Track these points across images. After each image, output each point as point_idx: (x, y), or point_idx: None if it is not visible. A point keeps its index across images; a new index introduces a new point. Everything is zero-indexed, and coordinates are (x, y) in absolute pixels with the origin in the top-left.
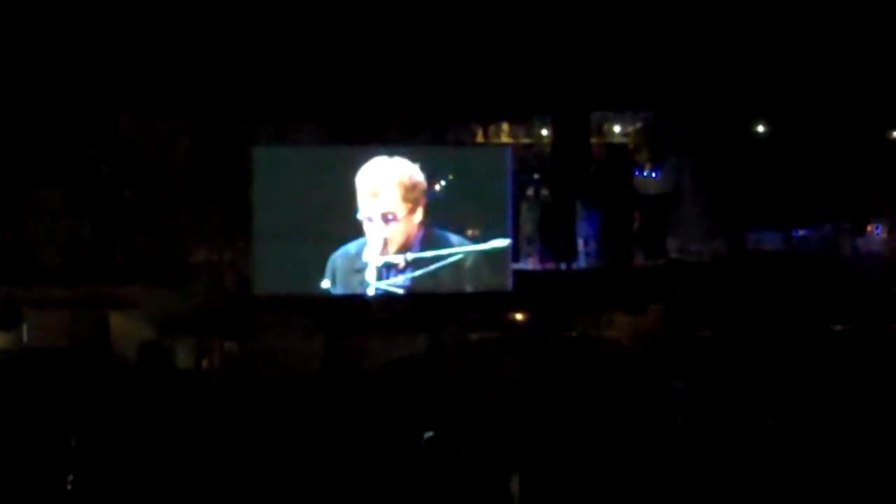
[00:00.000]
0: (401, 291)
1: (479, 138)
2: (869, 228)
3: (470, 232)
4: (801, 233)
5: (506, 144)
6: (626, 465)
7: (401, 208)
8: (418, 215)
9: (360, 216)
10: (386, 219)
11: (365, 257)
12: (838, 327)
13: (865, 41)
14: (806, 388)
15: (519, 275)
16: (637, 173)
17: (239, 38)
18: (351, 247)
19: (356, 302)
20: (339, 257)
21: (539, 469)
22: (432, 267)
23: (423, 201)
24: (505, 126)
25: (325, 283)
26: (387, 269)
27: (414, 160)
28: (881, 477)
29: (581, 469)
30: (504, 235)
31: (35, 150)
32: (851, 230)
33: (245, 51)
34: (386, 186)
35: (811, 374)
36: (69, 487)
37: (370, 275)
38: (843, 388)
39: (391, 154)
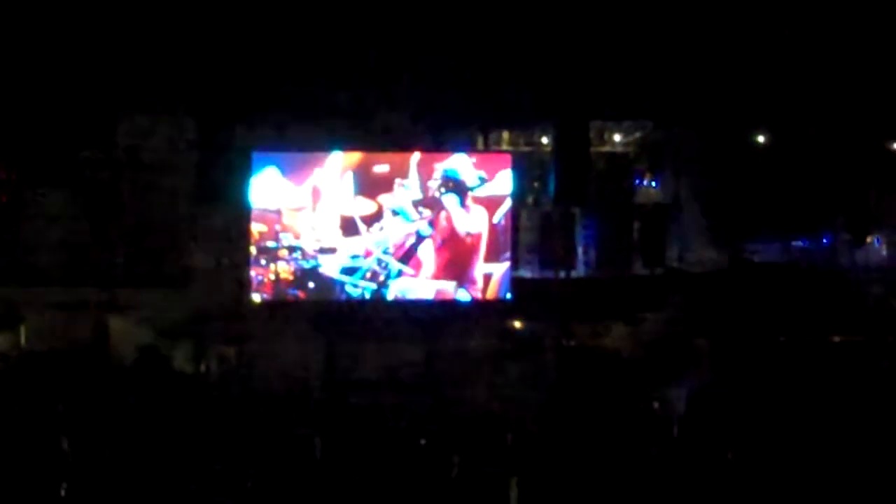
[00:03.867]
0: (397, 298)
1: (480, 145)
2: (869, 240)
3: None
4: (800, 243)
5: (506, 152)
6: (623, 472)
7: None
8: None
9: (360, 219)
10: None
11: (366, 250)
12: (837, 338)
13: (866, 52)
14: (804, 398)
15: (517, 282)
16: (637, 182)
17: (240, 42)
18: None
19: (354, 308)
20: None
21: (537, 476)
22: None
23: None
24: (505, 133)
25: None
26: (385, 275)
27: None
28: (879, 485)
29: (578, 476)
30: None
31: (35, 153)
32: (851, 241)
33: (245, 55)
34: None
35: (809, 385)
36: (63, 492)
37: (367, 280)
38: (842, 399)
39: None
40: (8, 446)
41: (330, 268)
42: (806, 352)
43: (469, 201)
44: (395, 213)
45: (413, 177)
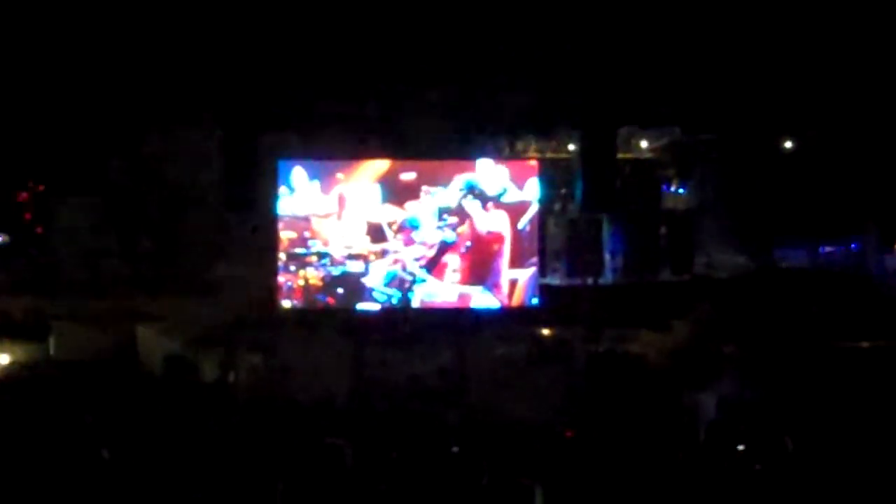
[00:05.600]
0: (426, 305)
1: (507, 153)
2: None
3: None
4: (827, 249)
5: (533, 159)
6: (650, 479)
7: (431, 221)
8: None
9: (388, 226)
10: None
11: (394, 257)
12: (866, 344)
13: (893, 58)
14: (833, 404)
15: (545, 289)
16: (664, 188)
17: (266, 52)
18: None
19: (382, 316)
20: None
21: (563, 483)
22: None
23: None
24: (532, 141)
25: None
26: (413, 282)
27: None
28: None
29: (604, 483)
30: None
31: (64, 165)
32: (879, 247)
33: (272, 65)
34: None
35: (838, 391)
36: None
37: (396, 287)
38: (871, 405)
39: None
40: (36, 456)
41: (373, 279)
42: (834, 358)
43: (492, 208)
44: (411, 223)
45: (438, 184)
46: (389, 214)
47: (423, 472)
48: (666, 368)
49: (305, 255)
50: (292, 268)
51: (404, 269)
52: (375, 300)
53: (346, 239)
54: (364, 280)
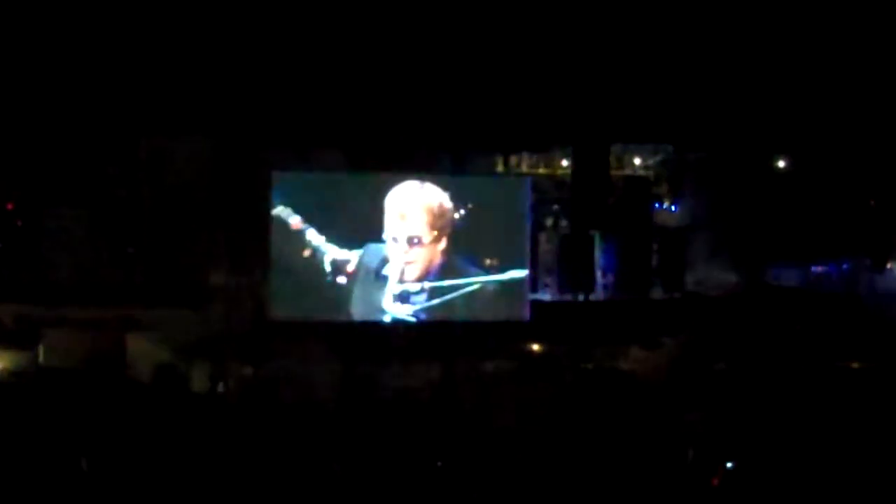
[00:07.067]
0: (416, 319)
1: (500, 168)
2: (889, 265)
3: (488, 261)
4: (819, 269)
5: (525, 174)
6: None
7: (427, 234)
8: (442, 243)
9: (385, 236)
10: (411, 242)
11: (386, 271)
12: (855, 364)
13: (888, 79)
14: (822, 422)
15: (536, 305)
16: (656, 206)
17: (261, 64)
18: (381, 248)
19: (372, 329)
20: (368, 253)
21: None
22: (450, 296)
23: (448, 230)
24: (525, 157)
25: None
26: (404, 297)
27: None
28: None
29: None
30: (522, 266)
31: (55, 172)
32: (870, 267)
33: (267, 77)
34: (415, 210)
35: (827, 411)
36: None
37: (387, 301)
38: (859, 426)
39: (422, 180)
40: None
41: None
42: (824, 377)
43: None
44: (420, 234)
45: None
46: (392, 224)
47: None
48: (656, 385)
49: (295, 267)
50: (281, 280)
51: (401, 282)
52: (366, 313)
53: (335, 251)
54: (355, 292)
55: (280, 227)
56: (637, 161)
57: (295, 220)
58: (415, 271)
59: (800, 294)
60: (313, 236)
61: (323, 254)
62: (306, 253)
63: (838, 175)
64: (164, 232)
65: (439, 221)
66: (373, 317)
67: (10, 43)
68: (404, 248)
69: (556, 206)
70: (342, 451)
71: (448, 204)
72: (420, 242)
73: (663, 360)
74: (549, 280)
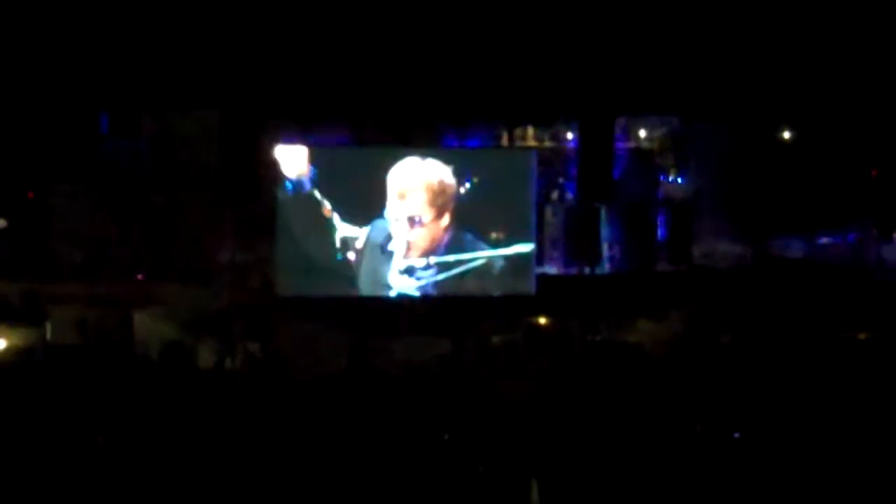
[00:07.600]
0: (423, 294)
1: (504, 141)
2: (895, 236)
3: (494, 235)
4: (825, 240)
5: (531, 148)
6: (646, 471)
7: (427, 212)
8: (445, 219)
9: (386, 215)
10: (412, 221)
11: (392, 247)
12: (862, 335)
13: (894, 50)
14: (829, 394)
15: (542, 279)
16: (662, 178)
17: (266, 39)
18: (387, 224)
19: (379, 304)
20: (375, 228)
21: (559, 476)
22: (456, 271)
23: (451, 206)
24: (530, 129)
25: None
26: (410, 272)
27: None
28: None
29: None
30: (528, 239)
31: (61, 149)
32: (877, 237)
33: (272, 51)
34: (414, 189)
35: (834, 381)
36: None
37: (394, 277)
38: (867, 396)
39: (423, 156)
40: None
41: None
42: (831, 348)
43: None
44: (419, 213)
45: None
46: (392, 204)
47: (418, 460)
48: (663, 358)
49: (303, 241)
50: (289, 255)
51: (406, 258)
52: (373, 288)
53: (344, 227)
54: (362, 268)
55: (289, 204)
56: (643, 133)
57: (326, 207)
58: (419, 248)
59: (807, 265)
60: (329, 214)
61: (334, 230)
62: (317, 230)
63: (845, 145)
64: (170, 208)
65: (440, 199)
66: (379, 292)
67: (12, 17)
68: (406, 229)
69: (561, 179)
70: (350, 424)
71: (450, 180)
72: (420, 222)
73: (670, 332)
74: (555, 253)
